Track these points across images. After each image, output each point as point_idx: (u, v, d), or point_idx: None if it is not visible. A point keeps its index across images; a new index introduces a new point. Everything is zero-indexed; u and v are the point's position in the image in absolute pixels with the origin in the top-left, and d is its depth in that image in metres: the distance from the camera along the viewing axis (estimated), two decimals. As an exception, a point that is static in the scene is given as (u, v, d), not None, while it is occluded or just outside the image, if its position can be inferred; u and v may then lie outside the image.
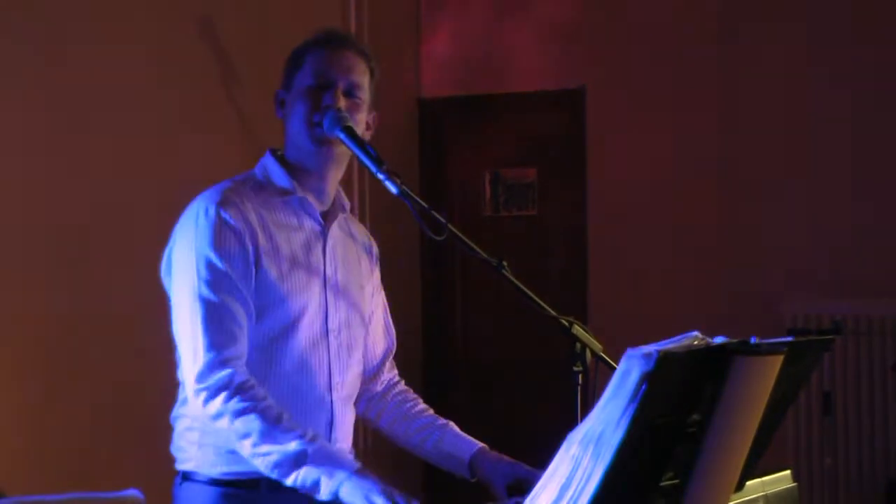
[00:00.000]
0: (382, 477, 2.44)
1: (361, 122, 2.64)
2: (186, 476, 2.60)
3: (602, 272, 6.04)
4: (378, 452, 2.88)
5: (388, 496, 2.31)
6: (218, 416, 2.43)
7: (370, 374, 2.86)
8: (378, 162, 2.49)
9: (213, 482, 2.55)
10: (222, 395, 2.42)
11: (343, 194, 2.74)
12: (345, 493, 2.34)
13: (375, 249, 2.86)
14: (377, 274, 2.87)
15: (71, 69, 4.49)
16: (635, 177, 5.98)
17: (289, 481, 2.40)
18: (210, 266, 2.48)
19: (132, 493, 1.50)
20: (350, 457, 2.47)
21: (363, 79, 2.65)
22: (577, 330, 2.38)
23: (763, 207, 5.70)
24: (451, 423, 2.80)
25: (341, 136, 2.55)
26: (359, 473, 2.37)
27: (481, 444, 2.74)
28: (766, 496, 2.42)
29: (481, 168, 6.39)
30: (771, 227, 5.68)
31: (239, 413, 2.41)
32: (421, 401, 2.88)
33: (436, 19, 6.41)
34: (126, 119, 4.66)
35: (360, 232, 2.84)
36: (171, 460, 2.68)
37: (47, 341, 4.43)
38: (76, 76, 4.50)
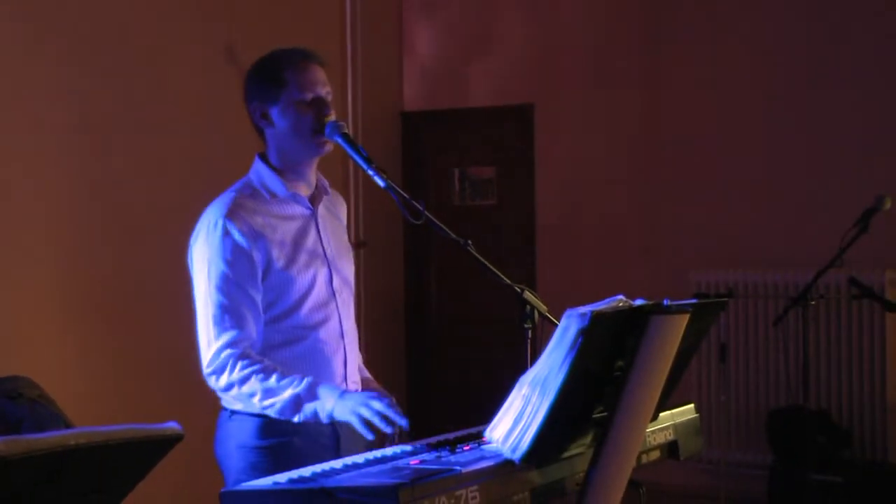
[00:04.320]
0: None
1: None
2: (234, 412, 2.56)
3: (547, 249, 6.06)
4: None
5: (366, 405, 2.34)
6: (228, 387, 2.46)
7: None
8: (368, 160, 2.47)
9: (258, 416, 2.52)
10: (227, 371, 2.45)
11: (323, 177, 2.69)
12: (337, 414, 2.39)
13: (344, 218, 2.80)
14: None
15: (127, 89, 4.46)
16: (573, 174, 5.99)
17: (296, 419, 2.44)
18: (218, 272, 2.47)
19: (171, 425, 1.48)
20: (334, 385, 2.48)
21: (329, 85, 2.62)
22: (528, 295, 2.37)
23: (677, 200, 5.71)
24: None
25: (340, 140, 2.53)
26: (342, 396, 2.40)
27: (367, 376, 2.72)
28: (674, 425, 2.43)
29: (451, 166, 6.37)
30: (682, 216, 5.69)
31: (243, 380, 2.44)
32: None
33: (414, 48, 6.39)
34: (171, 124, 4.65)
35: (340, 204, 2.77)
36: (205, 400, 2.65)
37: (103, 301, 4.40)
38: (129, 94, 4.48)
